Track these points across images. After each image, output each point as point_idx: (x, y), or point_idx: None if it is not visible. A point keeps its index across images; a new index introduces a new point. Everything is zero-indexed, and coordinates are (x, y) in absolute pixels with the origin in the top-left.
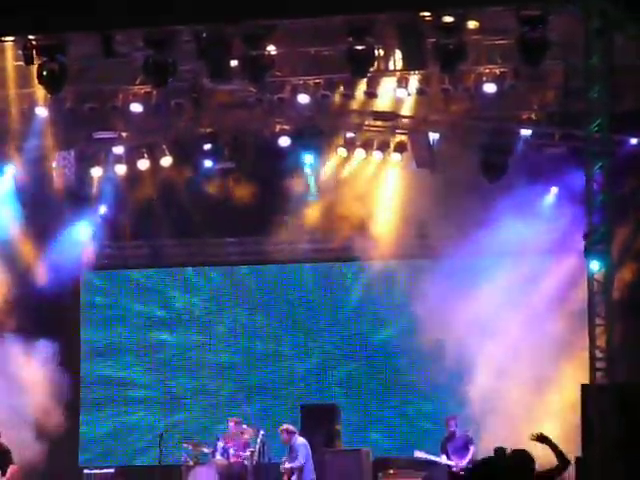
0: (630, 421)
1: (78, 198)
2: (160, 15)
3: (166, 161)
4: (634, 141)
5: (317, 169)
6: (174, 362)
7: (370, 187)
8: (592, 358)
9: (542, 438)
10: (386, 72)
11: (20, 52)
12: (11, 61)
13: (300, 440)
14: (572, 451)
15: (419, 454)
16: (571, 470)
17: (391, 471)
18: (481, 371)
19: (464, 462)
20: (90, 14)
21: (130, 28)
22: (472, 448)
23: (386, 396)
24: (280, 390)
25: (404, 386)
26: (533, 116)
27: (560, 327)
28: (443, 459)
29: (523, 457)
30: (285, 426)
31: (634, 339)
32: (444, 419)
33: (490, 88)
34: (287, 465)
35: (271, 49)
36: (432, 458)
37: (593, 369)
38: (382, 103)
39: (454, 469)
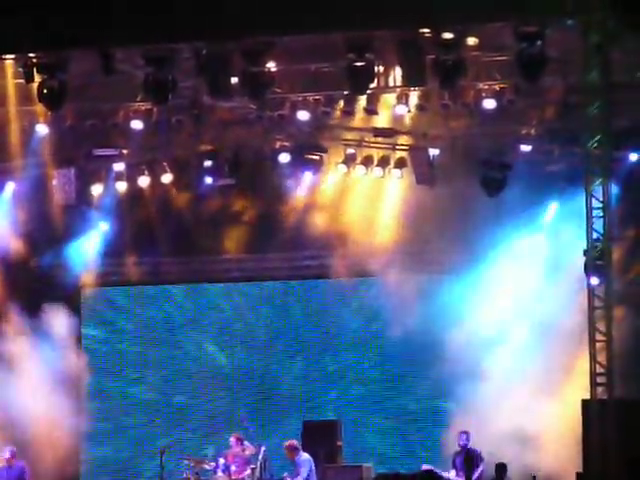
0: (631, 437)
1: (78, 215)
2: (160, 32)
3: (166, 178)
4: (634, 157)
5: (317, 186)
6: (175, 378)
7: (370, 203)
8: (592, 373)
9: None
10: (386, 88)
11: (20, 70)
12: (11, 79)
13: (304, 456)
14: (574, 466)
15: (426, 468)
16: None
17: None
18: (484, 384)
19: (472, 478)
20: (90, 32)
21: (130, 46)
22: (482, 465)
23: (390, 411)
24: (281, 406)
25: (410, 399)
26: (532, 132)
27: (561, 342)
28: (452, 474)
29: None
30: (289, 442)
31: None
32: (457, 433)
33: (489, 104)
34: None
35: (271, 66)
36: (440, 473)
37: (594, 384)
38: (382, 119)
39: None
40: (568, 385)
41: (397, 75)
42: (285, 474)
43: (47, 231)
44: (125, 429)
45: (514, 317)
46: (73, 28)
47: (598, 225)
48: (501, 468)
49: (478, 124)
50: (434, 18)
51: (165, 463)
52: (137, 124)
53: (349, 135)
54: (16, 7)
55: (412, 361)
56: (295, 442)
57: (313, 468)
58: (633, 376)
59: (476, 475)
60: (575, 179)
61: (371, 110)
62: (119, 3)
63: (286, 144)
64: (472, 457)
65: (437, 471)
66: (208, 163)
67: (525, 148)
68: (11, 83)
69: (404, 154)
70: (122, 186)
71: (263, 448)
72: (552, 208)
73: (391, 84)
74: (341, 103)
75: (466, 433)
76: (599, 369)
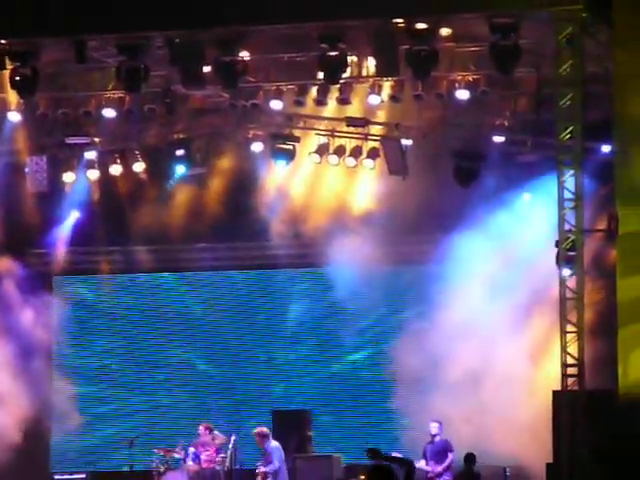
0: (600, 427)
1: (50, 203)
2: (133, 21)
3: (138, 166)
4: (606, 149)
5: (289, 175)
6: (145, 367)
7: (342, 193)
8: (563, 365)
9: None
10: (359, 78)
11: None
12: None
13: (274, 444)
14: (544, 457)
15: (396, 456)
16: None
17: (362, 477)
18: (455, 375)
19: (440, 468)
20: (63, 20)
21: (103, 34)
22: (451, 455)
23: (360, 400)
24: (251, 396)
25: (378, 390)
26: (506, 123)
27: (534, 333)
28: (421, 464)
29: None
30: (258, 429)
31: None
32: (427, 423)
33: (463, 95)
34: (262, 469)
35: (244, 55)
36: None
37: (564, 375)
38: (355, 109)
39: (429, 474)
40: (538, 376)
41: (370, 65)
42: (258, 463)
43: (19, 219)
44: (93, 419)
45: (484, 307)
46: (46, 16)
47: (570, 216)
48: (470, 458)
49: (451, 115)
50: (407, 8)
51: (135, 452)
52: (109, 112)
53: (322, 125)
54: None
55: (380, 352)
56: (265, 429)
57: (283, 457)
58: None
59: (445, 464)
60: (548, 170)
61: (344, 100)
62: None
63: (259, 133)
64: (443, 447)
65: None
66: (180, 152)
67: (498, 139)
68: None
69: (377, 144)
70: (94, 174)
71: (233, 437)
72: (525, 199)
73: (364, 74)
74: (314, 93)
75: (438, 423)
76: (570, 360)
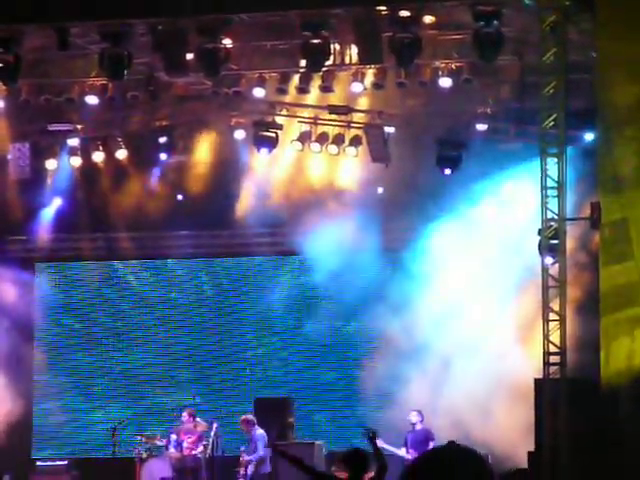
0: (581, 416)
1: (32, 190)
2: (116, 8)
3: (121, 154)
4: (589, 137)
5: (272, 162)
6: (126, 354)
7: (324, 180)
8: (545, 352)
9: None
10: (342, 66)
11: None
12: None
13: (259, 431)
14: (525, 446)
15: (379, 443)
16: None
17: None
18: (434, 362)
19: None
20: (45, 7)
21: (85, 21)
22: (432, 444)
23: (341, 388)
24: (234, 383)
25: (359, 377)
26: (489, 111)
27: (516, 320)
28: (402, 451)
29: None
30: (245, 417)
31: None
32: (408, 412)
33: (446, 82)
34: (246, 457)
35: (227, 42)
36: (390, 449)
37: (546, 363)
38: (337, 97)
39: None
40: (520, 364)
41: (353, 53)
42: (242, 448)
43: (0, 206)
44: (75, 406)
45: (466, 295)
46: (28, 2)
47: (553, 205)
48: (453, 446)
49: (434, 102)
50: None
51: (117, 440)
52: (92, 99)
53: (304, 112)
54: None
55: (360, 341)
56: (251, 416)
57: (267, 442)
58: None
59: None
60: (530, 158)
61: (327, 88)
62: None
63: (242, 121)
64: (425, 436)
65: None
66: (163, 139)
67: (481, 127)
68: None
69: (359, 132)
70: (76, 161)
71: (215, 425)
72: (507, 187)
73: (347, 62)
74: (296, 80)
75: (418, 412)
76: (552, 348)
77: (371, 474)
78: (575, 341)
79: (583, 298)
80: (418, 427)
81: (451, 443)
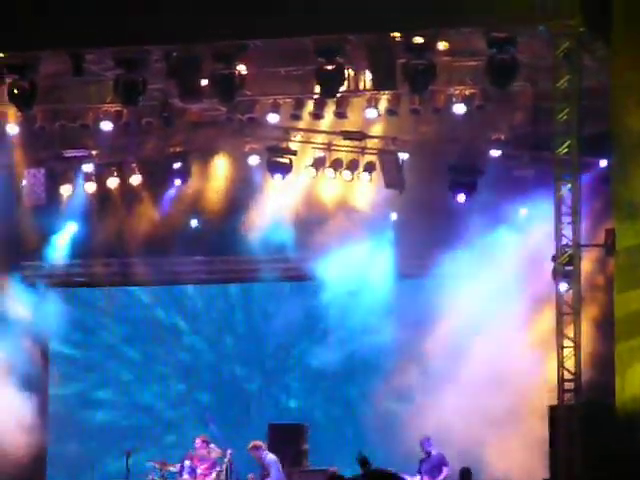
0: (597, 442)
1: (47, 216)
2: (130, 35)
3: (135, 179)
4: (603, 163)
5: (286, 188)
6: (140, 380)
7: (339, 207)
8: (560, 379)
9: (362, 463)
10: (356, 92)
11: None
12: None
13: (270, 456)
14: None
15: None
16: None
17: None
18: (448, 390)
19: None
20: (61, 33)
21: (100, 47)
22: (445, 470)
23: (353, 413)
24: (247, 409)
25: (373, 403)
26: (502, 137)
27: (529, 348)
28: (417, 479)
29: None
30: (253, 443)
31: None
32: (419, 441)
33: (459, 109)
34: None
35: (241, 68)
36: (405, 477)
37: (561, 390)
38: (352, 123)
39: None
40: (535, 390)
41: (367, 79)
42: (250, 475)
43: (16, 231)
44: (90, 430)
45: (480, 321)
46: (44, 29)
47: (567, 231)
48: (466, 473)
49: (448, 129)
50: (405, 22)
51: (131, 465)
52: (107, 125)
53: (318, 138)
54: None
55: (376, 365)
56: (258, 442)
57: (280, 468)
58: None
59: (440, 479)
60: (544, 185)
61: (341, 114)
62: (89, 5)
63: (256, 147)
64: (438, 461)
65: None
66: (177, 165)
67: (495, 153)
68: None
69: (373, 158)
70: (91, 187)
71: (229, 451)
72: (521, 213)
73: (361, 88)
74: (311, 106)
75: (428, 439)
76: (567, 375)
77: None
78: (594, 361)
79: (601, 319)
80: (432, 453)
81: (465, 470)
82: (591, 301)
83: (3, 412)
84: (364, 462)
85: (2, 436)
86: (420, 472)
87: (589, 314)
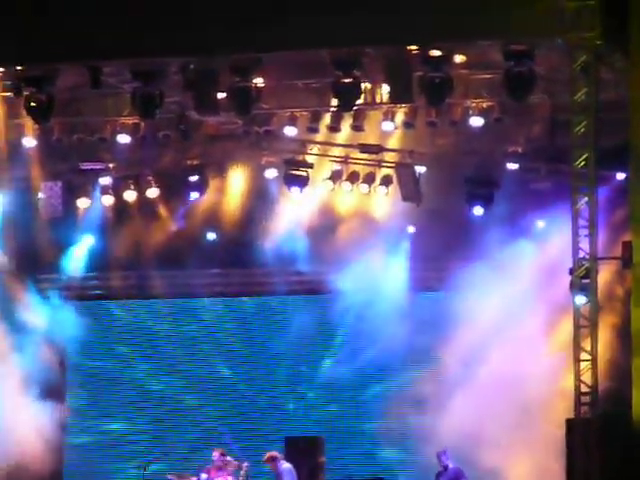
0: (614, 455)
1: (64, 229)
2: (147, 47)
3: (152, 192)
4: (621, 176)
5: (303, 201)
6: (157, 393)
7: (356, 220)
8: (577, 392)
9: None
10: (373, 105)
11: (8, 83)
12: None
13: (286, 465)
14: None
15: None
16: None
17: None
18: (464, 401)
19: None
20: (78, 46)
21: (118, 60)
22: None
23: (370, 426)
24: (264, 422)
25: (389, 416)
26: (519, 150)
27: (546, 362)
28: None
29: None
30: (269, 454)
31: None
32: (436, 454)
33: (476, 122)
34: None
35: (258, 81)
36: None
37: (578, 403)
38: (368, 136)
39: None
40: (552, 404)
41: (384, 92)
42: None
43: (32, 244)
44: (106, 443)
45: (497, 334)
46: (61, 42)
47: (584, 244)
48: None
49: (465, 142)
50: (421, 35)
51: (148, 477)
52: (124, 138)
53: (335, 151)
54: (4, 20)
55: (391, 375)
56: (274, 452)
57: (295, 476)
58: None
59: None
60: (562, 197)
61: (358, 127)
62: (107, 18)
63: (272, 160)
64: (455, 475)
65: None
66: (194, 178)
67: (512, 166)
68: None
69: (390, 171)
70: (108, 200)
71: (246, 464)
72: (539, 226)
73: (378, 101)
74: (327, 119)
75: (444, 453)
76: (584, 388)
77: None
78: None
79: (619, 331)
80: (450, 467)
81: None
82: (609, 313)
83: (22, 422)
84: None
85: (21, 446)
86: None
87: (607, 326)
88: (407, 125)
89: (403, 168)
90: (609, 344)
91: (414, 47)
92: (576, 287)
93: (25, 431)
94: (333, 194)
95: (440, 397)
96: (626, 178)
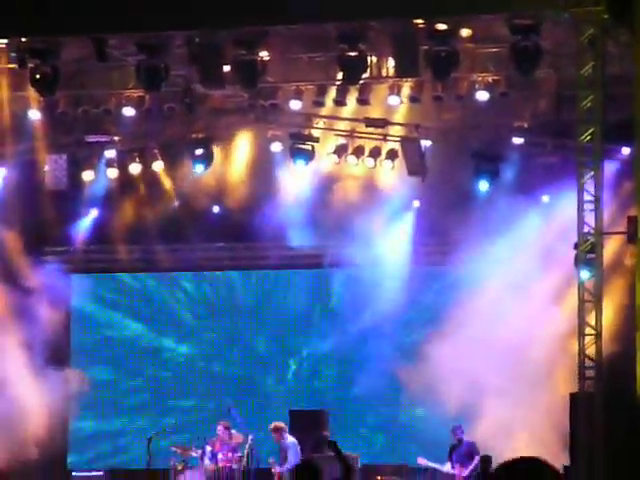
0: (618, 429)
1: (69, 201)
2: (153, 20)
3: (158, 165)
4: (626, 151)
5: (308, 175)
6: (163, 367)
7: (361, 194)
8: (581, 366)
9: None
10: (379, 79)
11: (13, 55)
12: (4, 64)
13: (290, 439)
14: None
15: (422, 461)
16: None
17: (379, 477)
18: (471, 374)
19: (466, 472)
20: (84, 18)
21: (123, 33)
22: (477, 458)
23: (376, 400)
24: (269, 396)
25: (397, 390)
26: (525, 124)
27: (550, 334)
28: (447, 467)
29: None
30: (275, 424)
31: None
32: (451, 427)
33: (482, 96)
34: (278, 469)
35: (264, 55)
36: (435, 466)
37: (582, 378)
38: (374, 110)
39: (456, 478)
40: (556, 379)
41: (390, 66)
42: (271, 459)
43: (38, 216)
44: (110, 417)
45: (502, 308)
46: (67, 14)
47: (589, 218)
48: (486, 461)
49: (471, 116)
50: (428, 9)
51: (152, 450)
52: (129, 111)
53: (341, 125)
54: None
55: (396, 353)
56: (280, 423)
57: (299, 452)
58: None
59: (471, 468)
60: (567, 172)
61: (363, 100)
62: None
63: (278, 133)
64: (469, 450)
65: (433, 465)
66: (199, 151)
67: (518, 140)
68: (4, 68)
69: (396, 145)
70: (113, 173)
71: (250, 437)
72: (544, 201)
73: (384, 74)
74: (333, 93)
75: (460, 427)
76: (588, 362)
77: None
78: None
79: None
80: (462, 440)
81: (485, 457)
82: (614, 287)
83: (27, 389)
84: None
85: (25, 413)
86: (452, 460)
87: (612, 300)
88: (413, 99)
89: (409, 142)
90: (613, 318)
91: (420, 21)
92: (581, 262)
93: (30, 398)
94: (338, 168)
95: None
96: (632, 153)
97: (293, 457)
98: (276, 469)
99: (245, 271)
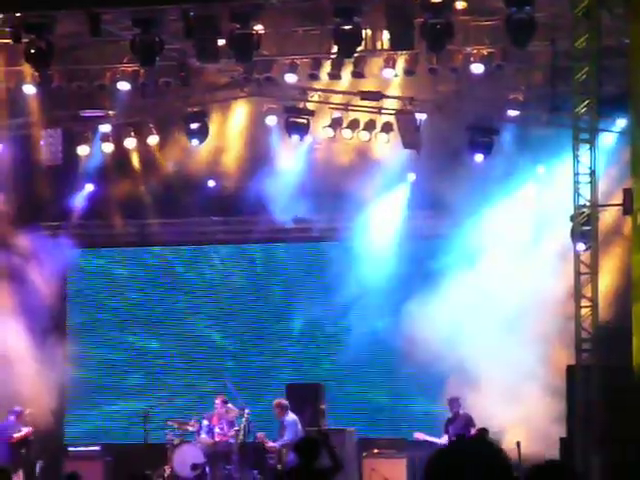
0: (614, 403)
1: (64, 176)
2: None
3: (153, 140)
4: (622, 123)
5: (304, 148)
6: (159, 340)
7: (356, 167)
8: (578, 339)
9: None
10: (373, 52)
11: (8, 29)
12: None
13: (291, 417)
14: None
15: (419, 435)
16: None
17: (375, 451)
18: (467, 347)
19: None
20: None
21: (118, 7)
22: (473, 431)
23: (374, 375)
24: (266, 370)
25: (393, 364)
26: (520, 97)
27: (547, 307)
28: (444, 440)
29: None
30: (278, 401)
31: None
32: (448, 399)
33: (477, 68)
34: (270, 444)
35: (259, 28)
36: (432, 440)
37: (579, 350)
38: (369, 83)
39: None
40: (553, 348)
41: (385, 39)
42: (260, 434)
43: (33, 191)
44: (106, 393)
45: (499, 283)
46: None
47: (585, 191)
48: (482, 433)
49: (466, 89)
50: None
51: (148, 426)
52: (124, 85)
53: (336, 98)
54: None
55: (393, 328)
56: (284, 401)
57: (299, 429)
58: None
59: None
60: (562, 145)
61: (358, 74)
62: None
63: (273, 107)
64: (465, 423)
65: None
66: (195, 125)
67: (513, 113)
68: None
69: (391, 118)
70: (108, 147)
71: (247, 411)
72: (539, 173)
73: (379, 48)
74: (328, 66)
75: (457, 400)
76: (585, 335)
77: None
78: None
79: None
80: (459, 413)
81: (482, 430)
82: (610, 259)
83: (23, 357)
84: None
85: (20, 380)
86: (447, 433)
87: (608, 272)
88: (408, 72)
89: (404, 115)
90: (609, 291)
91: None
92: (576, 234)
93: (27, 367)
94: (333, 141)
95: (444, 343)
96: (627, 125)
97: (290, 434)
98: (269, 444)
99: (240, 245)
